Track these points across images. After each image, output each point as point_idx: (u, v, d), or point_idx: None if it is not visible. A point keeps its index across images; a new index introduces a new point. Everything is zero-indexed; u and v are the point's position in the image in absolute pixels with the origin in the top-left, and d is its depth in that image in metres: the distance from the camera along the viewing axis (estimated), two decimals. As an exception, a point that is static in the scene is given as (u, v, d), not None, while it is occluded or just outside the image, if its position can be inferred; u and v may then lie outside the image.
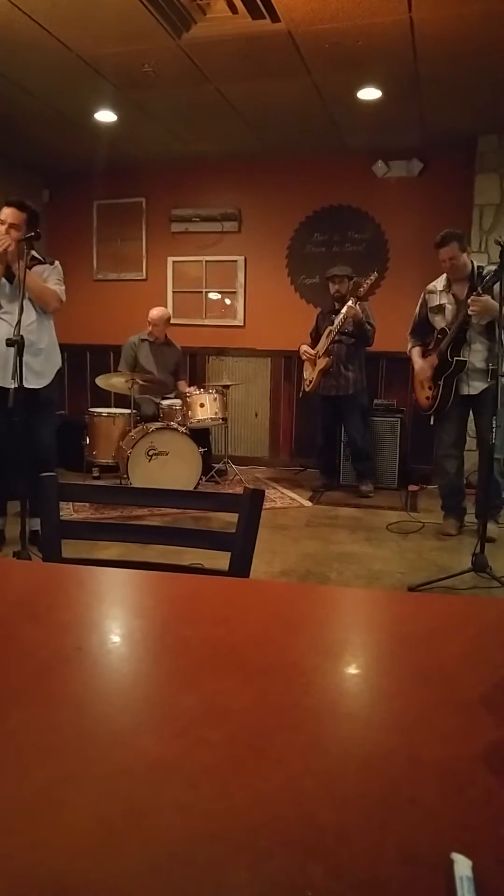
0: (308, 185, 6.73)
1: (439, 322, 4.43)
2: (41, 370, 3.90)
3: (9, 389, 3.34)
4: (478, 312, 4.10)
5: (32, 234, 3.59)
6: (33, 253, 3.84)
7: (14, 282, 3.79)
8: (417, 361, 4.56)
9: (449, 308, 4.38)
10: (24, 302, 3.76)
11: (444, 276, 4.46)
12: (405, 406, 6.22)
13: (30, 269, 3.81)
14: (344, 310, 5.53)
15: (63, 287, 4.01)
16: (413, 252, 6.40)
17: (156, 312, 6.07)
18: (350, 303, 5.52)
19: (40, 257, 3.94)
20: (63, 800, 0.61)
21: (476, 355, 4.27)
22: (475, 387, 4.30)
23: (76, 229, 7.43)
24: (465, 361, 4.27)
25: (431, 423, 4.57)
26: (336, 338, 5.65)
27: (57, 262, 4.02)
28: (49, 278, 3.94)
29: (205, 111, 5.47)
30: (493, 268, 4.01)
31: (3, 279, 3.77)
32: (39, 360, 3.88)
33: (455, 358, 4.28)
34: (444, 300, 4.42)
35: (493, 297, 4.10)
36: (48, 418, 4.04)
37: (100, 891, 0.51)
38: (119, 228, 7.40)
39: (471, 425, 4.57)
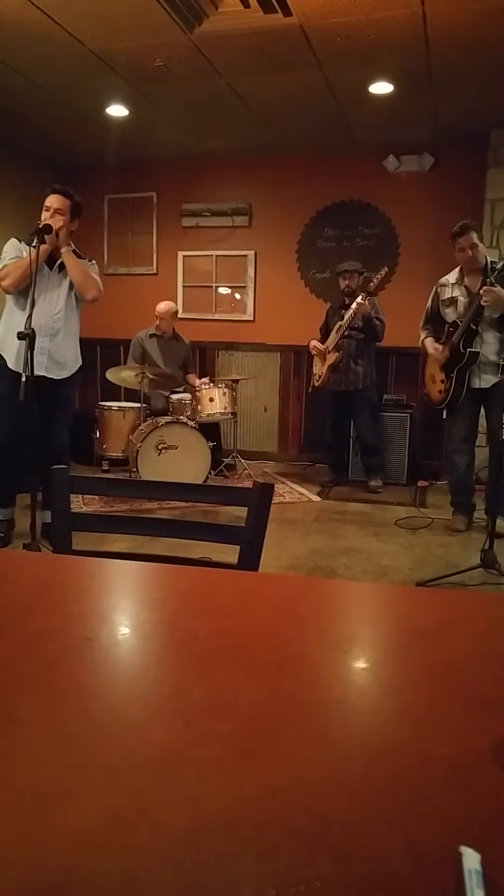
0: (319, 179, 6.71)
1: (451, 315, 4.42)
2: (64, 361, 3.91)
3: (27, 378, 3.32)
4: (490, 303, 4.09)
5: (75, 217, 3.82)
6: (72, 247, 3.89)
7: (53, 268, 3.84)
8: (431, 347, 4.53)
9: (461, 301, 4.37)
10: (55, 291, 3.80)
11: (457, 269, 4.45)
12: (415, 401, 6.21)
13: None
14: (353, 305, 5.52)
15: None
16: (424, 247, 6.37)
17: (162, 306, 6.07)
18: (360, 298, 5.50)
19: (78, 253, 3.98)
20: (72, 789, 0.61)
21: (488, 348, 4.26)
22: (486, 380, 4.28)
23: (87, 223, 7.32)
24: (478, 353, 4.26)
25: (444, 416, 4.56)
26: (346, 333, 5.64)
27: (94, 261, 4.06)
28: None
29: (216, 106, 5.46)
30: None
31: (44, 265, 3.76)
32: (62, 350, 3.89)
33: (468, 349, 4.26)
34: (457, 293, 4.40)
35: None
36: (64, 415, 4.04)
37: (108, 880, 0.52)
38: (130, 223, 7.41)
39: (482, 420, 4.56)
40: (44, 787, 0.62)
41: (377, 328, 5.60)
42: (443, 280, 4.54)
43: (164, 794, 0.61)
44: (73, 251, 3.90)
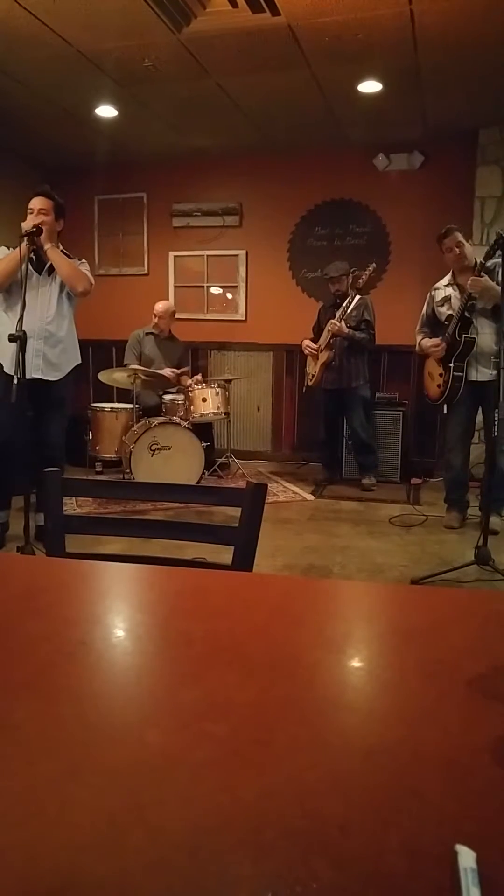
0: (309, 178, 6.72)
1: (445, 312, 4.45)
2: (58, 362, 3.93)
3: (19, 380, 3.32)
4: (477, 291, 4.13)
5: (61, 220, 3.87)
6: (60, 247, 3.91)
7: (42, 272, 3.85)
8: (430, 343, 4.52)
9: (455, 298, 4.41)
10: (46, 295, 3.81)
11: (450, 273, 4.49)
12: (407, 399, 6.22)
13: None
14: (328, 326, 5.54)
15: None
16: (414, 245, 6.39)
17: (161, 306, 6.07)
18: (335, 319, 5.53)
19: (67, 254, 3.98)
20: (67, 794, 0.61)
21: (484, 338, 4.27)
22: (483, 372, 4.29)
23: (77, 224, 7.37)
24: (474, 339, 4.26)
25: (444, 411, 4.54)
26: (337, 332, 5.65)
27: (84, 260, 4.08)
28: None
29: (205, 105, 5.46)
30: (498, 260, 4.06)
31: (31, 269, 3.75)
32: (56, 352, 3.91)
33: (464, 335, 4.27)
34: (450, 291, 4.46)
35: (492, 278, 4.13)
36: (58, 416, 4.05)
37: (104, 884, 0.52)
38: (120, 223, 7.40)
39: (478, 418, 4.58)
40: (39, 792, 0.61)
41: (363, 342, 5.59)
42: (437, 284, 4.62)
43: (159, 797, 0.61)
44: (62, 252, 3.90)
